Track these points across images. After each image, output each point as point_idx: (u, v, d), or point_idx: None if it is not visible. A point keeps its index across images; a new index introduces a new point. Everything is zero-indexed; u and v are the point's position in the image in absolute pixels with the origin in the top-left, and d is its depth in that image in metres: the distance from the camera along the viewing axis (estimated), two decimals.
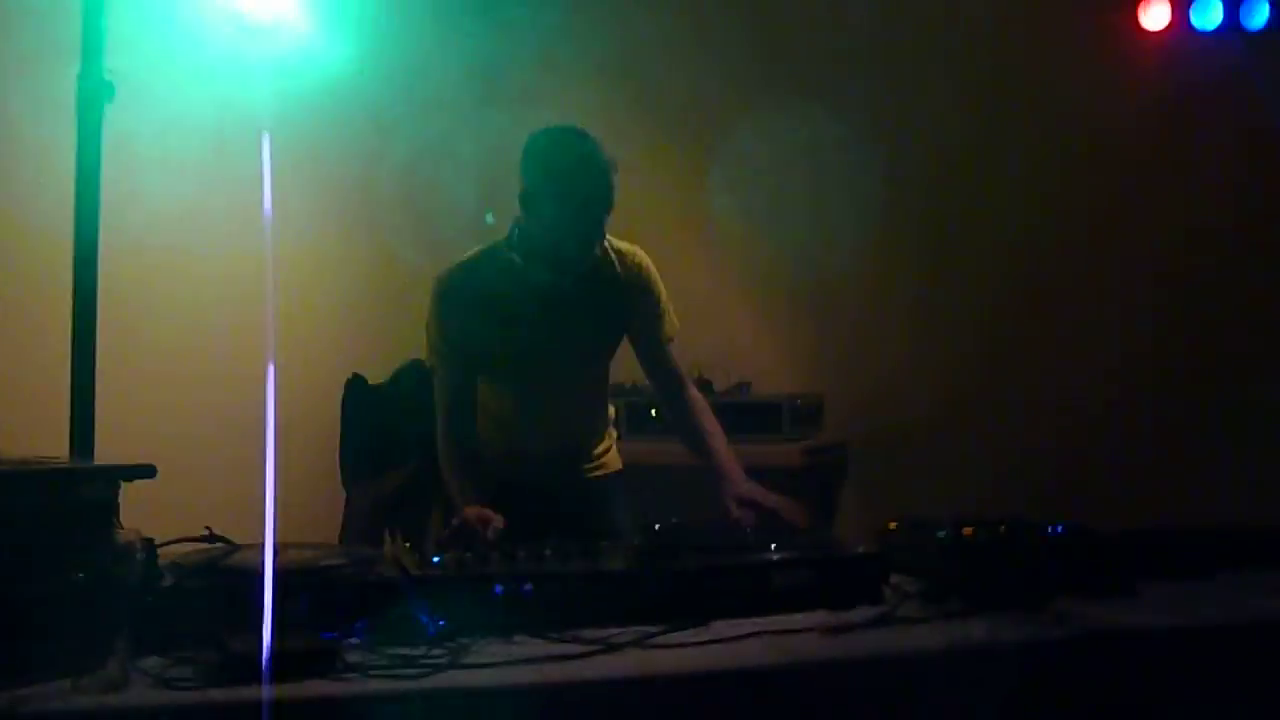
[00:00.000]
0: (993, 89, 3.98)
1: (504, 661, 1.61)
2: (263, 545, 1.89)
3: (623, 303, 2.61)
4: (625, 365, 2.81)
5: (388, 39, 4.16)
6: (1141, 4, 3.77)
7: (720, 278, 4.22)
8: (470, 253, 2.62)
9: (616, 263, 2.60)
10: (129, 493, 1.75)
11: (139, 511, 1.79)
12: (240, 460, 3.78)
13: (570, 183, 2.42)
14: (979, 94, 3.99)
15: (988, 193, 3.97)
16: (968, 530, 2.21)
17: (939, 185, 4.04)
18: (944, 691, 1.73)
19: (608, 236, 2.59)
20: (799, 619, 1.85)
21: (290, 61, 3.47)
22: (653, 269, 2.65)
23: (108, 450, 2.29)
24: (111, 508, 1.63)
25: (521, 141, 2.50)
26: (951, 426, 3.96)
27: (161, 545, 1.78)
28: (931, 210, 4.05)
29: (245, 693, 1.45)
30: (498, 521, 2.21)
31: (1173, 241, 3.73)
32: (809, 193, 4.22)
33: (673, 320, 2.69)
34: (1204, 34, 3.74)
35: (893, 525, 2.32)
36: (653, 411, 3.88)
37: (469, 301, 2.55)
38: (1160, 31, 3.75)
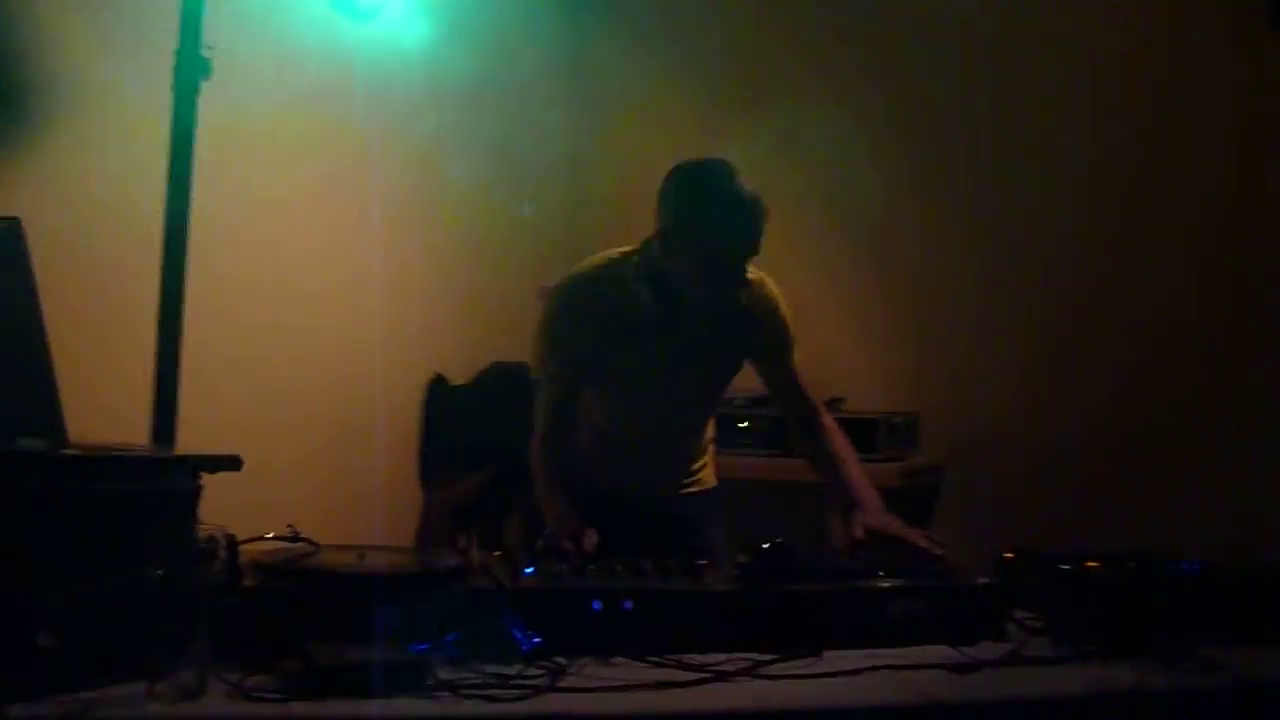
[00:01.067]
0: (1119, 96, 3.79)
1: (606, 686, 1.48)
2: (349, 547, 1.80)
3: (747, 334, 2.47)
4: None
5: (476, 25, 4.09)
6: None
7: (812, 288, 4.07)
8: (589, 264, 2.46)
9: (744, 293, 2.45)
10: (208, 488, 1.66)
11: (215, 508, 1.70)
12: (319, 457, 3.73)
13: (719, 225, 2.26)
14: (1103, 101, 3.81)
15: (1102, 208, 3.78)
16: (1091, 564, 2.05)
17: (1051, 197, 3.86)
18: None
19: None
20: (918, 652, 1.71)
21: (381, 47, 3.40)
22: (780, 298, 2.50)
23: (186, 443, 2.22)
24: (194, 500, 1.53)
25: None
26: (1050, 450, 3.78)
27: (242, 543, 1.69)
28: (1041, 224, 3.87)
29: (331, 707, 1.34)
30: (593, 535, 2.08)
31: None
32: (907, 201, 4.06)
33: (797, 350, 2.54)
34: None
35: (1009, 555, 2.17)
36: (741, 424, 3.75)
37: (585, 320, 2.41)
38: None
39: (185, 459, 1.52)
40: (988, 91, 3.95)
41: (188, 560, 1.46)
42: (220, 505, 1.78)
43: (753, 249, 2.29)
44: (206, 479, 1.56)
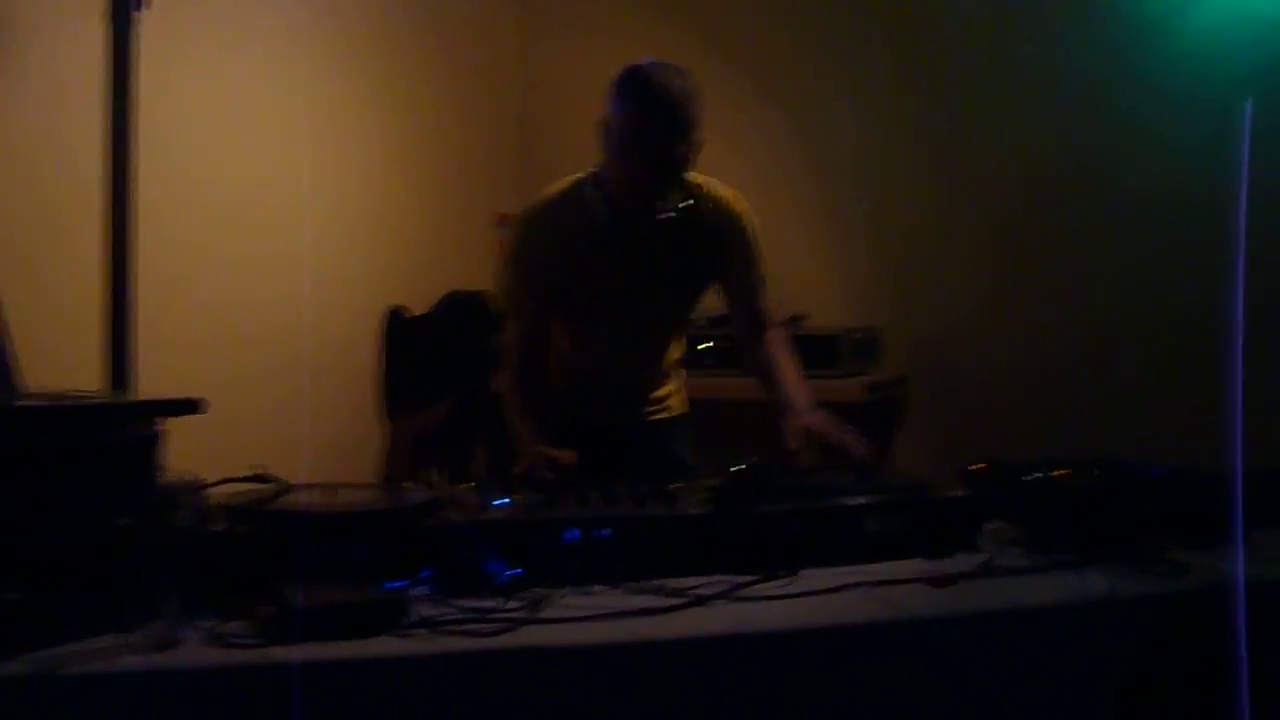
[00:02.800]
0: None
1: (587, 615, 1.47)
2: (319, 486, 1.77)
3: (714, 249, 2.44)
4: None
5: None
6: None
7: (773, 203, 4.03)
8: (549, 190, 2.43)
9: (714, 209, 2.42)
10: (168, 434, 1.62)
11: (175, 452, 1.66)
12: (278, 395, 3.68)
13: (634, 106, 2.24)
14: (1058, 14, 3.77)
15: (1060, 123, 3.75)
16: (1060, 473, 2.06)
17: (1008, 114, 3.82)
18: (1062, 647, 1.59)
19: (709, 180, 2.42)
20: (895, 568, 1.71)
21: None
22: (749, 214, 2.47)
23: (145, 387, 2.17)
24: (156, 446, 1.49)
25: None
26: (1014, 361, 3.80)
27: (208, 487, 1.65)
28: (1000, 140, 3.84)
29: (308, 651, 1.32)
30: (569, 457, 2.06)
31: None
32: (866, 119, 4.02)
33: (763, 266, 2.51)
34: None
35: (978, 466, 2.18)
36: (703, 345, 3.74)
37: (549, 245, 2.38)
38: None
39: (143, 404, 1.48)
40: (948, 9, 3.90)
41: (153, 508, 1.42)
42: (181, 449, 1.74)
43: (668, 132, 2.24)
44: (173, 424, 1.52)
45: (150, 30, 2.17)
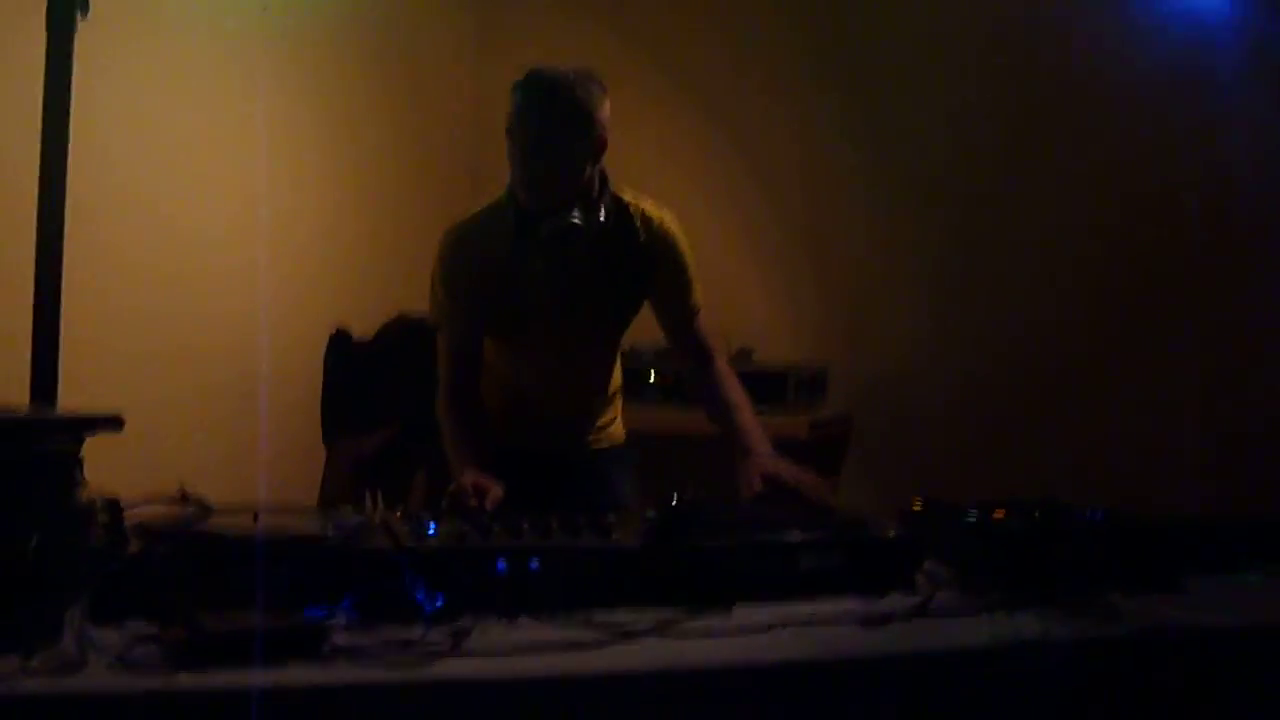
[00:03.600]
0: (1018, 50, 3.80)
1: (510, 649, 1.44)
2: (243, 508, 1.73)
3: (644, 270, 2.42)
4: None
5: None
6: None
7: (721, 239, 4.04)
8: (479, 208, 2.42)
9: (641, 226, 2.40)
10: (94, 451, 1.58)
11: (104, 471, 1.62)
12: (217, 415, 3.61)
13: (528, 118, 2.23)
14: (1007, 53, 3.81)
15: (1010, 156, 3.79)
16: (999, 513, 2.06)
17: (957, 147, 3.86)
18: (991, 691, 1.58)
19: (636, 198, 2.40)
20: (829, 606, 1.69)
21: None
22: (680, 235, 2.45)
23: (71, 396, 2.11)
24: (72, 464, 1.44)
25: (510, 73, 2.31)
26: (959, 401, 3.81)
27: (129, 507, 1.60)
28: (947, 174, 3.87)
29: (218, 677, 1.28)
30: (498, 491, 2.03)
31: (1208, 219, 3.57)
32: (816, 152, 4.04)
33: (698, 291, 2.49)
34: None
35: (917, 506, 2.17)
36: (650, 376, 3.72)
37: (474, 259, 2.36)
38: None
39: (60, 420, 1.43)
40: (898, 45, 3.93)
41: (66, 526, 1.38)
42: (116, 467, 1.69)
43: (554, 120, 2.22)
44: (102, 442, 1.47)
45: (93, 36, 2.12)
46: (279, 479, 3.55)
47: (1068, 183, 3.73)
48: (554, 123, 2.22)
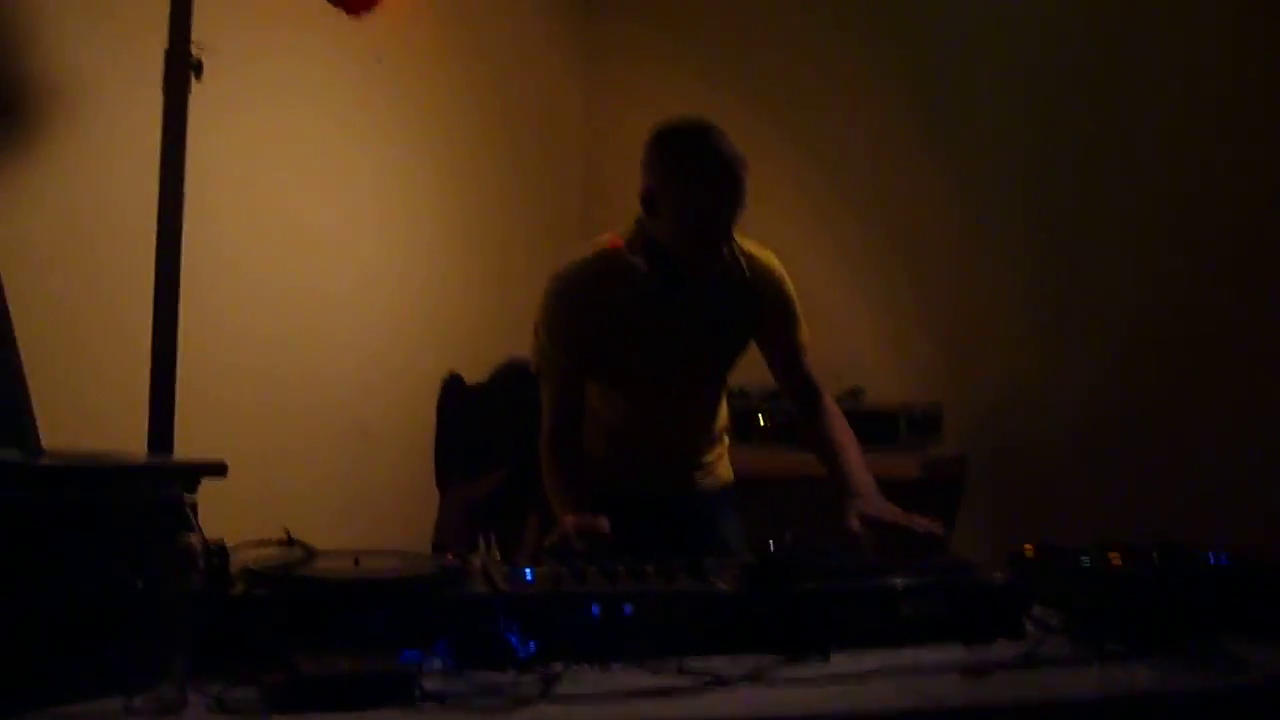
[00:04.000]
0: (1131, 80, 3.70)
1: (601, 694, 1.43)
2: (345, 552, 1.76)
3: (750, 309, 2.42)
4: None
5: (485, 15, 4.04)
6: None
7: (833, 277, 4.01)
8: (587, 252, 2.43)
9: (745, 266, 2.40)
10: (215, 501, 1.63)
11: (223, 521, 1.67)
12: (335, 461, 3.70)
13: (699, 182, 2.24)
14: (1118, 85, 3.71)
15: (1129, 194, 3.68)
16: (1114, 556, 1.98)
17: (1076, 183, 3.76)
18: None
19: (737, 237, 2.41)
20: (931, 655, 1.65)
21: (387, 34, 3.34)
22: (784, 273, 2.45)
23: (189, 447, 2.18)
24: (178, 509, 1.49)
25: (625, 134, 2.32)
26: (1078, 442, 3.69)
27: (235, 550, 1.64)
28: (1065, 212, 3.78)
29: None
30: (603, 523, 2.03)
31: None
32: (915, 189, 3.98)
33: (804, 328, 2.49)
34: None
35: (1028, 549, 2.10)
36: (760, 419, 3.69)
37: (585, 305, 2.37)
38: None
39: (165, 466, 1.48)
40: (1014, 87, 3.86)
41: (171, 570, 1.42)
42: (235, 511, 1.74)
43: (733, 204, 2.24)
44: (222, 493, 1.52)
45: (207, 98, 2.21)
46: (395, 525, 3.62)
47: (1172, 196, 3.59)
48: (736, 200, 2.25)
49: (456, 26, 4.03)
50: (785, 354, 2.49)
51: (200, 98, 2.18)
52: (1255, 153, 3.49)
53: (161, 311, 2.05)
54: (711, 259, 2.32)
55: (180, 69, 2.08)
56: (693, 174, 2.24)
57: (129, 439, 2.13)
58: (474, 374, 3.82)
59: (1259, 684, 1.60)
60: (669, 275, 2.33)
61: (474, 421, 3.77)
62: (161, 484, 1.46)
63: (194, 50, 2.10)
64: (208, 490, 1.73)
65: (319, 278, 3.51)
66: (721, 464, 2.64)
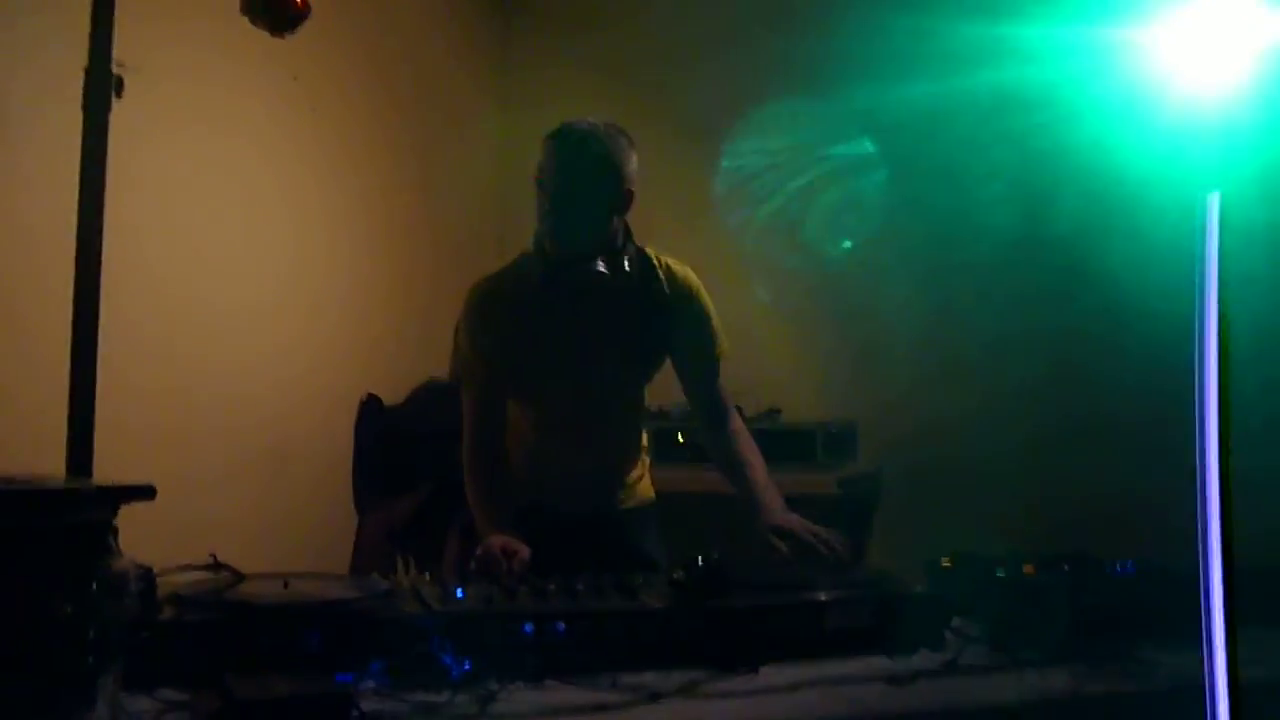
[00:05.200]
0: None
1: (537, 712, 1.44)
2: (273, 575, 1.75)
3: (666, 322, 2.44)
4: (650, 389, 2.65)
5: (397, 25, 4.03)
6: None
7: (748, 299, 4.07)
8: (504, 265, 2.47)
9: (665, 281, 2.43)
10: (132, 524, 1.61)
11: (141, 544, 1.65)
12: (250, 484, 3.64)
13: (559, 168, 2.28)
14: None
15: (1038, 217, 3.79)
16: (1029, 568, 2.05)
17: (985, 208, 3.87)
18: None
19: (657, 253, 2.44)
20: (856, 665, 1.69)
21: (303, 51, 3.32)
22: (702, 289, 2.49)
23: (106, 470, 2.14)
24: (104, 533, 1.46)
25: (538, 152, 2.35)
26: (988, 458, 3.79)
27: (161, 574, 1.63)
28: (975, 236, 3.88)
29: None
30: (524, 553, 2.04)
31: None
32: (843, 211, 4.07)
33: (722, 345, 2.52)
34: None
35: (946, 562, 2.16)
36: (679, 437, 3.73)
37: (498, 315, 2.39)
38: None
39: (92, 491, 1.46)
40: (925, 116, 3.95)
41: (98, 595, 1.40)
42: (154, 540, 1.71)
43: (584, 169, 2.27)
44: (139, 515, 1.50)
45: (126, 116, 2.18)
46: (313, 548, 3.58)
47: (1087, 228, 3.71)
48: (584, 173, 2.27)
49: (371, 44, 4.02)
50: (699, 370, 2.52)
51: (118, 115, 2.14)
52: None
53: (81, 332, 2.02)
54: (568, 244, 2.31)
55: (101, 87, 2.05)
56: (547, 144, 2.30)
57: (41, 463, 2.08)
58: (392, 395, 3.81)
59: (1167, 687, 1.67)
60: (551, 270, 2.34)
61: (392, 443, 3.76)
62: (89, 508, 1.44)
63: (115, 69, 2.06)
64: (125, 514, 1.71)
65: (234, 297, 3.47)
66: (642, 484, 2.66)
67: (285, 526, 3.55)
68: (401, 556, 3.71)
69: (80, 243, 2.05)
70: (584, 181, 2.27)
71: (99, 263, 2.07)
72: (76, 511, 1.44)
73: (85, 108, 2.10)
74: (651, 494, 2.68)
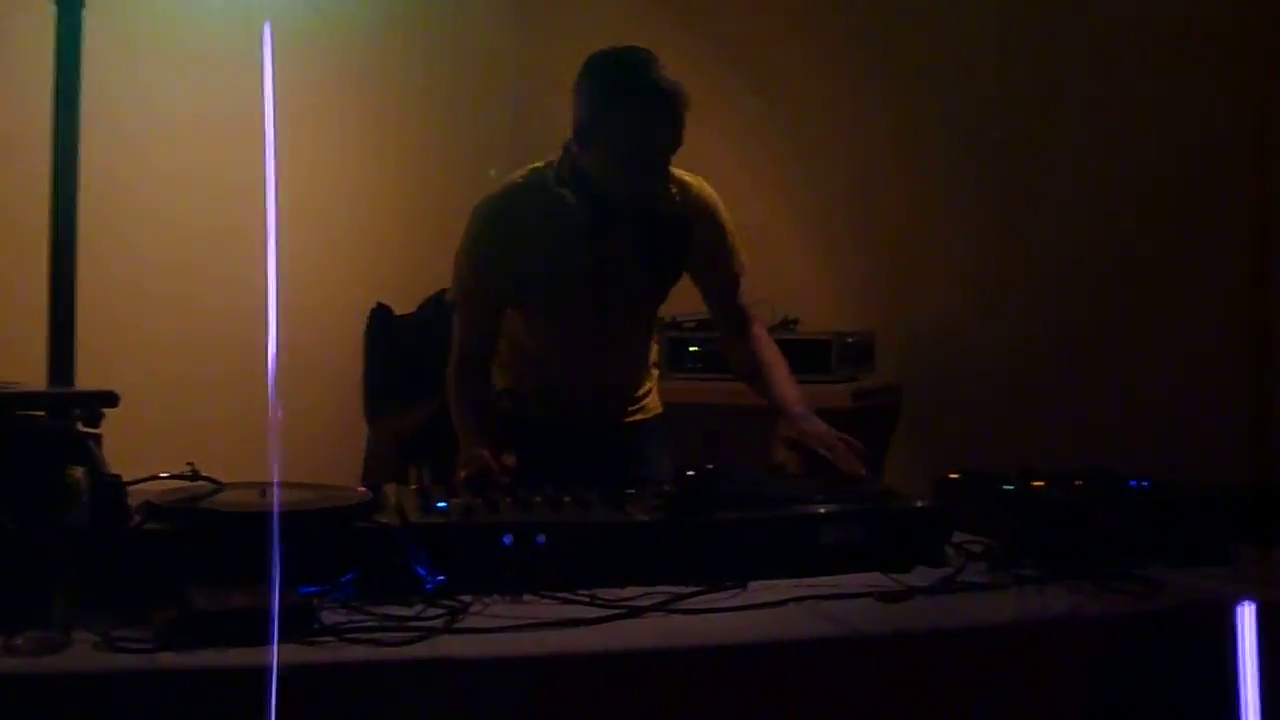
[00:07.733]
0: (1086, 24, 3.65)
1: (505, 626, 1.40)
2: (252, 485, 1.71)
3: (682, 241, 2.34)
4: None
5: None
6: None
7: (766, 207, 3.96)
8: (513, 179, 2.33)
9: (679, 195, 2.33)
10: (126, 432, 1.58)
11: (138, 446, 1.62)
12: (258, 394, 3.61)
13: (636, 117, 2.13)
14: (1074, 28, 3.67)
15: (1061, 126, 3.65)
16: (1038, 483, 1.98)
17: (1008, 115, 3.72)
18: (1017, 669, 1.50)
19: (671, 168, 2.34)
20: (849, 581, 1.63)
21: None
22: (718, 201, 2.38)
23: (102, 382, 2.11)
24: (64, 441, 1.43)
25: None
26: (1013, 370, 3.69)
27: (134, 483, 1.59)
28: (989, 135, 3.74)
29: (200, 657, 1.25)
30: (511, 459, 1.98)
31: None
32: (855, 116, 3.93)
33: (741, 260, 2.42)
34: None
35: (954, 476, 2.09)
36: (691, 348, 3.66)
37: (508, 237, 2.28)
38: None
39: (46, 396, 1.42)
40: (968, 24, 3.80)
41: (53, 504, 1.36)
42: (151, 444, 1.68)
43: (671, 140, 2.16)
44: (140, 427, 1.46)
45: (105, 18, 2.11)
46: (322, 457, 3.56)
47: (1118, 138, 3.57)
48: (665, 137, 2.15)
49: None
50: (721, 284, 2.43)
51: (97, 17, 2.07)
52: (1198, 100, 3.47)
53: (59, 244, 1.97)
54: (645, 196, 2.23)
55: None
56: (629, 108, 2.13)
57: (32, 371, 2.05)
58: (402, 305, 3.75)
59: (1169, 607, 1.60)
60: (598, 209, 2.25)
61: (402, 353, 3.71)
62: (50, 416, 1.40)
63: None
64: (132, 424, 1.67)
65: (242, 207, 3.41)
66: (651, 398, 2.60)
67: (293, 436, 3.52)
68: (416, 466, 3.69)
69: (57, 148, 2.00)
70: (665, 144, 2.16)
71: (76, 169, 2.01)
72: (32, 418, 1.40)
73: (59, 7, 2.04)
74: (659, 408, 2.61)
